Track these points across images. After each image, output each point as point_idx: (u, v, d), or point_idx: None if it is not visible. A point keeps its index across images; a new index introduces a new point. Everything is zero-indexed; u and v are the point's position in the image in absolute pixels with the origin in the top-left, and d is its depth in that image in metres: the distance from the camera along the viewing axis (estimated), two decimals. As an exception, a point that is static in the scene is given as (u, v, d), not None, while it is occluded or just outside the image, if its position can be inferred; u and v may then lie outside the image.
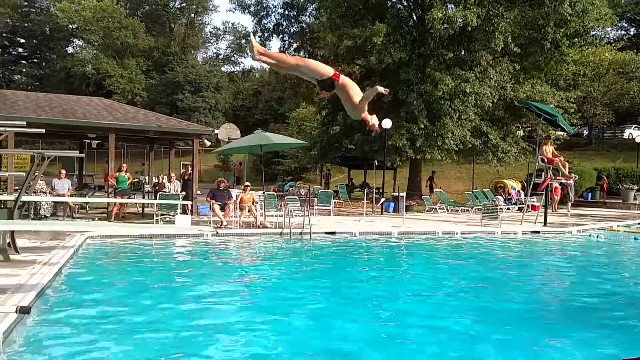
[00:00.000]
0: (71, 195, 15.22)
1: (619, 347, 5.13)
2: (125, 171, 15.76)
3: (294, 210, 14.10)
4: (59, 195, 14.60)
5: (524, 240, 13.53)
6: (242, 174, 26.48)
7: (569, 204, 21.23)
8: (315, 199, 17.85)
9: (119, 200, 14.89)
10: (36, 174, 12.97)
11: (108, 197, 15.95)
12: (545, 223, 15.46)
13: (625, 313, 6.74)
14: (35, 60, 63.31)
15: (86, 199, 15.94)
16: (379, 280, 8.74)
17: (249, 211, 13.93)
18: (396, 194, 19.97)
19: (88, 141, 22.42)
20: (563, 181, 18.01)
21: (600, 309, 6.96)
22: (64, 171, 15.72)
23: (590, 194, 26.30)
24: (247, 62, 67.05)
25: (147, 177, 21.28)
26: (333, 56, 24.87)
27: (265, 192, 15.46)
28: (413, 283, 8.46)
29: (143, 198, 17.31)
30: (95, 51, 56.60)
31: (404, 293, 7.68)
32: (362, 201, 19.16)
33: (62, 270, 7.76)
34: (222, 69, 62.23)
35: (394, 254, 11.71)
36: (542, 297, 7.82)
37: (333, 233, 13.03)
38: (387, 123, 18.72)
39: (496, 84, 21.16)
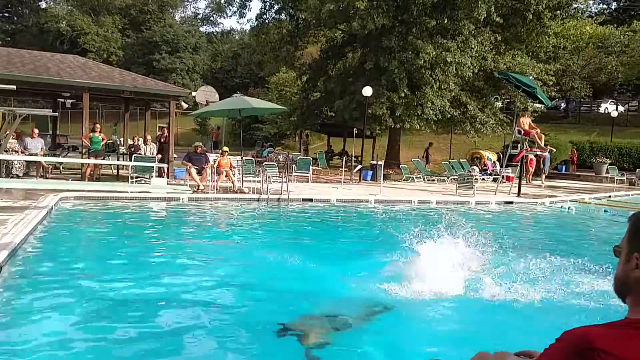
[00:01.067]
0: (44, 155, 14.92)
1: (577, 315, 5.29)
2: (99, 131, 15.43)
3: (272, 177, 14.06)
4: (31, 154, 14.29)
5: (496, 210, 13.76)
6: (220, 139, 26.21)
7: (543, 176, 21.61)
8: (294, 165, 17.81)
9: (92, 161, 14.66)
10: (7, 132, 12.68)
11: (82, 157, 15.67)
12: (519, 194, 15.71)
13: (591, 284, 6.93)
14: (6, 14, 60.98)
15: (60, 159, 15.65)
16: (350, 244, 8.83)
17: (226, 176, 13.85)
18: (374, 162, 20.04)
19: (62, 100, 21.84)
20: (538, 153, 18.27)
21: (565, 279, 7.15)
22: (36, 130, 15.36)
23: (564, 167, 26.81)
24: (227, 23, 65.84)
25: (122, 139, 20.92)
26: (315, 20, 24.44)
27: (244, 158, 15.35)
28: (385, 248, 8.56)
29: (118, 160, 17.07)
30: (69, 7, 54.75)
31: (379, 257, 7.78)
32: (341, 169, 19.20)
33: (35, 230, 7.65)
34: (201, 29, 60.88)
35: (368, 220, 11.82)
36: (508, 264, 7.98)
37: (310, 200, 13.06)
38: (367, 91, 18.62)
39: (477, 54, 21.12)
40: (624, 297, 1.50)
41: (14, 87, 13.02)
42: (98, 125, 15.61)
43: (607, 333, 1.36)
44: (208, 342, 4.28)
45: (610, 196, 18.11)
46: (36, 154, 14.39)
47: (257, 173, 15.07)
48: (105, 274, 5.96)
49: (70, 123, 33.06)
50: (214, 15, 63.40)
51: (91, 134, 15.14)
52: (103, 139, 15.74)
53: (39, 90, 17.65)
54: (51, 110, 20.45)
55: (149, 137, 17.20)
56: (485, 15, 19.72)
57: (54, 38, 52.71)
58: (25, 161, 14.15)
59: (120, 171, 16.54)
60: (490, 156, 25.18)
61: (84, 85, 14.80)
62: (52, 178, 14.55)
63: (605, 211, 14.46)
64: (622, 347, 1.31)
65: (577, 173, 26.27)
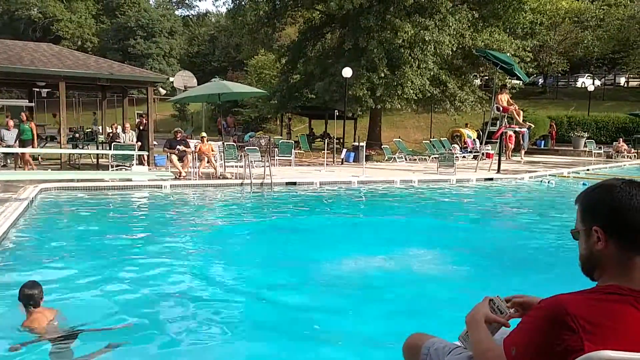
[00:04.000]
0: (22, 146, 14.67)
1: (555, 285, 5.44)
2: (27, 119, 14.98)
3: (254, 161, 14.04)
4: (8, 146, 14.06)
5: (477, 187, 13.95)
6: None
7: (522, 152, 21.89)
8: (276, 149, 17.77)
9: (74, 151, 14.48)
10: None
11: (61, 147, 15.45)
12: (498, 170, 15.92)
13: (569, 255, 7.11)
14: (-26, 2, 59.33)
15: (38, 150, 15.42)
16: (337, 226, 8.92)
17: (208, 162, 13.79)
18: (356, 143, 20.08)
19: (37, 90, 21.44)
20: (517, 129, 18.48)
21: (547, 251, 7.32)
22: (11, 121, 15.07)
23: (543, 142, 27.17)
24: (202, 6, 65.11)
25: (100, 127, 20.66)
26: (292, 1, 24.23)
27: (225, 143, 15.29)
28: (368, 228, 8.66)
29: (97, 149, 16.88)
30: (40, -7, 53.38)
31: (366, 238, 7.87)
32: (323, 151, 19.21)
33: (16, 222, 7.58)
34: (176, 12, 59.98)
35: (352, 202, 11.90)
36: (491, 240, 8.15)
37: (294, 183, 13.08)
38: (347, 72, 18.59)
39: (455, 32, 21.16)
40: (591, 272, 1.58)
41: (-13, 77, 12.78)
42: (24, 115, 15.16)
43: (579, 299, 1.45)
44: (193, 333, 4.33)
45: (588, 169, 18.44)
46: (12, 145, 14.15)
47: (239, 158, 15.01)
48: (88, 265, 5.92)
49: (46, 113, 32.48)
50: (189, -2, 62.41)
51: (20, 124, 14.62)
52: (53, 128, 14.98)
53: (13, 80, 17.31)
54: (27, 100, 20.10)
55: (127, 125, 16.99)
56: (462, -8, 19.76)
57: (25, 26, 51.45)
58: (3, 153, 13.91)
59: (100, 160, 16.35)
60: (470, 134, 25.39)
61: (59, 74, 14.55)
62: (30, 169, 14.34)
63: (583, 184, 14.72)
64: (593, 311, 1.40)
65: (555, 148, 26.66)
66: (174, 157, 13.37)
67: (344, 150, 19.15)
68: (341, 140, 22.07)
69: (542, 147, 26.96)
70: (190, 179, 12.98)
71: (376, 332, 4.35)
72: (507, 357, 1.51)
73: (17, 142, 14.37)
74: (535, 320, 1.47)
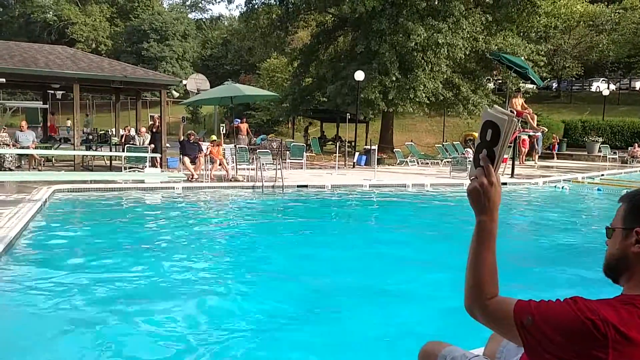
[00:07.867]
0: (36, 148, 14.81)
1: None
2: None
3: (266, 164, 14.03)
4: (23, 147, 14.18)
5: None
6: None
7: (536, 156, 21.70)
8: (288, 152, 17.77)
9: (88, 152, 14.57)
10: (-2, 125, 12.55)
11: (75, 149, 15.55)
12: (512, 175, 15.79)
13: (587, 261, 7.01)
14: (-9, 5, 60.16)
15: (52, 151, 15.55)
16: (348, 228, 8.87)
17: (220, 164, 13.81)
18: (368, 147, 20.02)
19: (52, 92, 21.64)
20: (531, 133, 18.33)
21: (561, 257, 7.22)
22: (24, 123, 15.21)
23: (557, 146, 26.90)
24: (216, 9, 65.48)
25: (113, 129, 20.79)
26: (305, 4, 24.25)
27: (237, 146, 15.30)
28: (381, 232, 8.61)
29: (110, 150, 16.98)
30: (55, -4, 54.06)
31: (377, 241, 7.82)
32: (335, 154, 19.17)
33: (30, 223, 7.63)
34: (190, 16, 60.36)
35: (363, 205, 11.85)
36: (505, 245, 8.05)
37: (305, 186, 13.06)
38: (359, 75, 18.55)
39: (468, 35, 21.03)
40: (618, 275, 1.50)
41: (3, 80, 12.94)
42: None
43: (612, 307, 1.34)
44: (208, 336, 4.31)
45: (602, 175, 18.23)
46: (27, 147, 14.28)
47: (251, 161, 15.03)
48: (102, 266, 5.94)
49: (60, 114, 32.81)
50: (203, 2, 62.86)
51: None
52: None
53: (28, 82, 17.48)
54: (41, 102, 20.31)
55: (143, 129, 17.06)
56: (476, -5, 19.64)
57: (41, 29, 52.12)
58: (17, 154, 14.05)
59: (114, 162, 16.46)
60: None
61: (74, 76, 14.65)
62: (45, 170, 14.46)
63: (598, 190, 14.56)
64: (623, 322, 1.29)
65: (569, 152, 26.36)
66: (187, 159, 13.41)
67: (356, 154, 19.10)
68: (353, 143, 22.02)
69: (557, 151, 26.71)
70: (203, 181, 13.01)
71: (391, 337, 4.29)
72: (515, 321, 1.37)
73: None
74: (570, 307, 1.34)
